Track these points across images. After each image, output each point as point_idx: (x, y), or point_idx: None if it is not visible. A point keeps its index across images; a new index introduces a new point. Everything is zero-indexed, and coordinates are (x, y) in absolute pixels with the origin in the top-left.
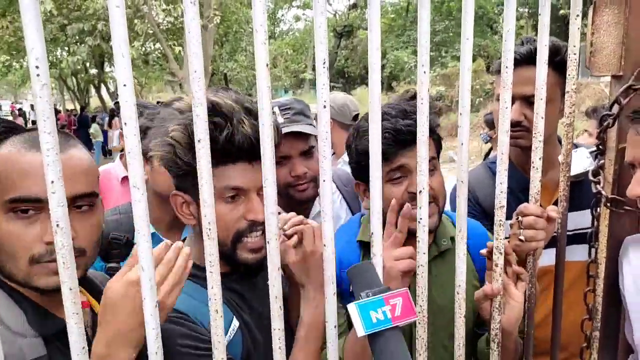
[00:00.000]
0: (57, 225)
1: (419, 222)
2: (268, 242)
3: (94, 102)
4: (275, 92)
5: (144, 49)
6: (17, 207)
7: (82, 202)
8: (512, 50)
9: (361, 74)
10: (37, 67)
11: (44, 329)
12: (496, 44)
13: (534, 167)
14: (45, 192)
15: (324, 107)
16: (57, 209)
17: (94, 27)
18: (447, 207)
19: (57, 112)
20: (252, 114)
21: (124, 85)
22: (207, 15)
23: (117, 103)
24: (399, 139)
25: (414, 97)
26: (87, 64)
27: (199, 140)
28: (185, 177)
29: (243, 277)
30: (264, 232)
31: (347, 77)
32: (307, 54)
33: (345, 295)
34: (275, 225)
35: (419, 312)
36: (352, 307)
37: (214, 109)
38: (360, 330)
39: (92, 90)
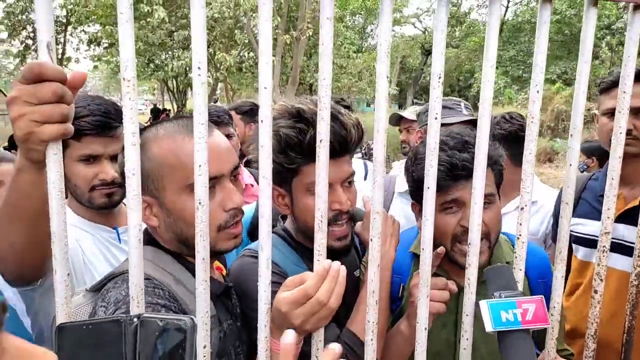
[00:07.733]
0: (200, 203)
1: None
2: (371, 239)
3: (189, 104)
4: (358, 105)
5: (239, 57)
6: None
7: (237, 171)
8: (632, 76)
9: (446, 92)
10: (199, 68)
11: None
12: (596, 69)
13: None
14: (219, 170)
15: (435, 118)
16: (201, 189)
17: None
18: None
19: (160, 110)
20: (333, 116)
21: (265, 87)
22: (301, 28)
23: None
24: (454, 174)
25: None
26: (187, 69)
27: (320, 140)
28: (277, 174)
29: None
30: (347, 221)
31: None
32: (393, 69)
33: (394, 298)
34: (379, 224)
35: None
36: (483, 304)
37: (299, 115)
38: (488, 326)
39: (189, 93)
